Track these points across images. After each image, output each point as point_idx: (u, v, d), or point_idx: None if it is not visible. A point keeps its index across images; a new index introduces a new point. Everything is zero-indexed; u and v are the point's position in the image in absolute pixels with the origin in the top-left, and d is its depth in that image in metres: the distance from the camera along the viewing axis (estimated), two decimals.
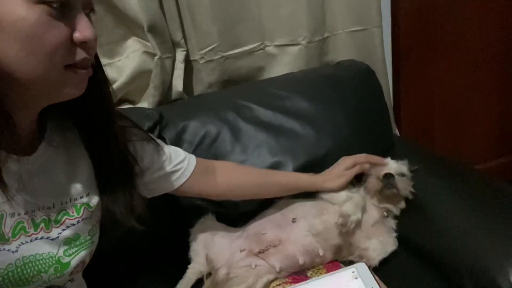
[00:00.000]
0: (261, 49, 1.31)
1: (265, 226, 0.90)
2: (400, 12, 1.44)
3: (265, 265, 0.84)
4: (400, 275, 0.82)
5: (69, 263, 0.60)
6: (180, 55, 1.21)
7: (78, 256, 0.61)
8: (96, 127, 0.62)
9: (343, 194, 0.88)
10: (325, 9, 1.30)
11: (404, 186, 0.90)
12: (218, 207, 1.02)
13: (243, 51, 1.29)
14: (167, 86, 1.21)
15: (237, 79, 1.32)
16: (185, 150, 1.02)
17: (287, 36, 1.30)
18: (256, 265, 0.84)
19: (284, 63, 1.33)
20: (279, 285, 0.81)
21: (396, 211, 0.91)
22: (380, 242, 0.85)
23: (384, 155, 1.11)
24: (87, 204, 0.63)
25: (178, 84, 1.21)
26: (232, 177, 0.91)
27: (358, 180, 0.97)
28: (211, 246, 0.92)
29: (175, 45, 1.19)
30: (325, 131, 1.06)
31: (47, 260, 0.57)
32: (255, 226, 0.93)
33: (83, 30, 0.51)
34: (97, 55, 0.60)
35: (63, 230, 0.60)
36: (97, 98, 0.60)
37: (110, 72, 1.18)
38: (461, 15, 1.52)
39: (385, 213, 0.90)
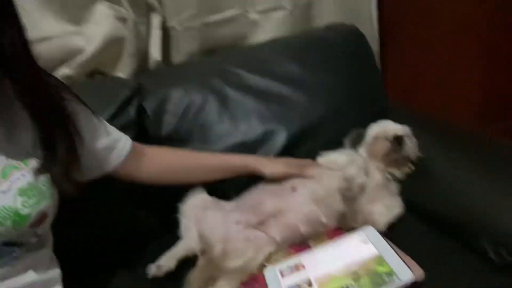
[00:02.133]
0: (243, 15, 1.23)
1: (262, 197, 0.83)
2: None
3: (264, 237, 0.77)
4: (412, 242, 0.76)
5: (29, 215, 0.58)
6: (155, 20, 1.11)
7: (39, 207, 0.59)
8: (23, 79, 0.58)
9: (344, 157, 0.82)
10: None
11: (413, 149, 0.85)
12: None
13: (224, 18, 1.20)
14: (143, 55, 1.11)
15: (219, 48, 1.23)
16: (169, 121, 0.96)
17: (270, 1, 1.22)
18: (255, 237, 0.77)
19: (268, 30, 1.25)
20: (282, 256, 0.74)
21: (400, 175, 0.86)
22: (385, 206, 0.80)
23: (378, 119, 1.06)
24: (35, 158, 0.61)
25: (155, 52, 1.12)
26: (159, 162, 0.85)
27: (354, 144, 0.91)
28: (203, 222, 0.84)
29: (149, 9, 1.09)
30: (318, 97, 1.00)
31: (2, 213, 0.56)
32: (250, 199, 0.86)
33: None
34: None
35: (13, 182, 0.58)
36: (14, 49, 0.55)
37: (77, 41, 1.07)
38: None
39: (389, 175, 0.85)
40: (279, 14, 1.24)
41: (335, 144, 0.98)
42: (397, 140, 0.84)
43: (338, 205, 0.80)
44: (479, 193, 0.77)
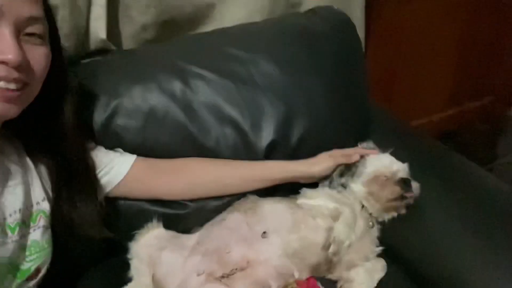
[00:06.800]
0: None
1: (229, 242, 0.72)
2: None
3: None
4: None
5: (29, 269, 0.60)
6: None
7: (38, 263, 0.61)
8: (47, 140, 0.64)
9: (330, 206, 0.71)
10: None
11: (417, 194, 0.75)
12: (163, 207, 0.81)
13: None
14: (82, 33, 0.87)
15: (180, 20, 1.01)
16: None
17: None
18: None
19: (241, 1, 1.03)
20: None
21: (387, 218, 0.78)
22: (367, 272, 0.70)
23: (360, 132, 0.95)
24: (43, 211, 0.63)
25: (99, 28, 0.89)
26: (184, 176, 0.79)
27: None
28: (158, 264, 0.72)
29: None
30: (300, 108, 0.85)
31: (4, 267, 0.57)
32: (215, 239, 0.74)
33: (2, 50, 0.50)
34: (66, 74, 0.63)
35: (20, 237, 0.59)
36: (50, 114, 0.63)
37: None
38: None
39: (371, 223, 0.76)
40: None
41: None
42: (405, 183, 0.74)
43: (312, 258, 0.71)
44: (464, 254, 0.69)
